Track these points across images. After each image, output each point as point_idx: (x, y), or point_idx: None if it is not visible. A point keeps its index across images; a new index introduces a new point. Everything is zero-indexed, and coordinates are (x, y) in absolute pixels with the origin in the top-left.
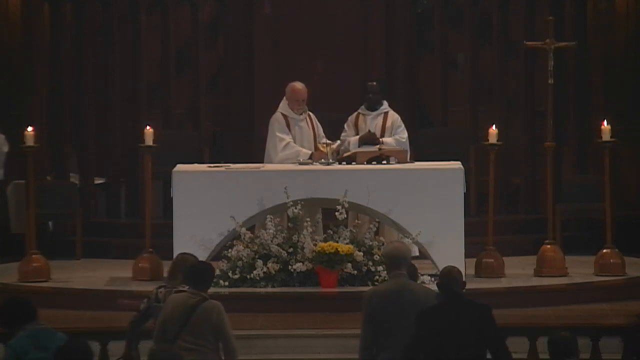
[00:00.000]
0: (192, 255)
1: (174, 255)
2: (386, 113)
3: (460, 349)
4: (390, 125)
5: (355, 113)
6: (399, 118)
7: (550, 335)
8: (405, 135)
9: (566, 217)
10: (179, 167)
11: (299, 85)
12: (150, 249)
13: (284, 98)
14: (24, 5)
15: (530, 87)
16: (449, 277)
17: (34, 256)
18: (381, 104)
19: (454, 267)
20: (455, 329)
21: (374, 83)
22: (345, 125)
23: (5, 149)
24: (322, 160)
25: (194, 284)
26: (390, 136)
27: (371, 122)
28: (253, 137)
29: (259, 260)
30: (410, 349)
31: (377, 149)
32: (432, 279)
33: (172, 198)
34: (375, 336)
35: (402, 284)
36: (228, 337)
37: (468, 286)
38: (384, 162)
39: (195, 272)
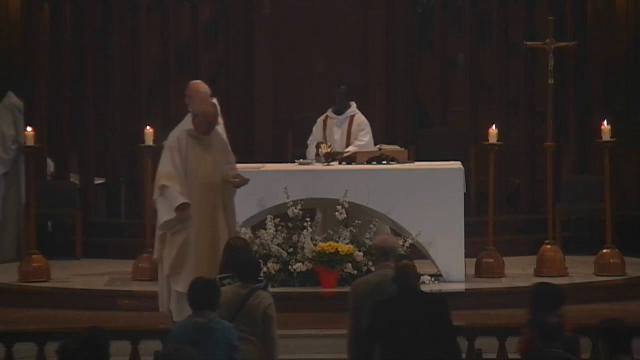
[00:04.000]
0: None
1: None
2: (352, 116)
3: (419, 342)
4: (356, 129)
5: (324, 115)
6: (365, 121)
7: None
8: (367, 138)
9: (566, 217)
10: None
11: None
12: (151, 249)
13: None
14: (24, 5)
15: (530, 87)
16: (404, 271)
17: (34, 256)
18: (348, 107)
19: (409, 262)
20: (411, 322)
21: (342, 87)
22: (314, 128)
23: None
24: None
25: (242, 278)
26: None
27: (337, 127)
28: (253, 137)
29: (259, 260)
30: (363, 338)
31: (377, 149)
32: (432, 278)
33: None
34: (359, 325)
35: (385, 275)
36: (273, 329)
37: (468, 286)
38: (384, 162)
39: (243, 266)
